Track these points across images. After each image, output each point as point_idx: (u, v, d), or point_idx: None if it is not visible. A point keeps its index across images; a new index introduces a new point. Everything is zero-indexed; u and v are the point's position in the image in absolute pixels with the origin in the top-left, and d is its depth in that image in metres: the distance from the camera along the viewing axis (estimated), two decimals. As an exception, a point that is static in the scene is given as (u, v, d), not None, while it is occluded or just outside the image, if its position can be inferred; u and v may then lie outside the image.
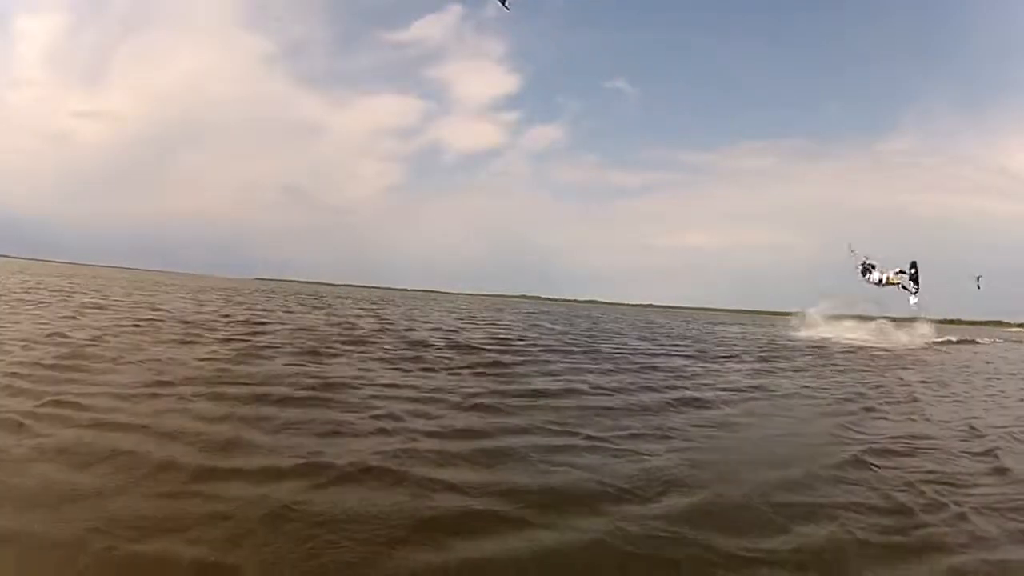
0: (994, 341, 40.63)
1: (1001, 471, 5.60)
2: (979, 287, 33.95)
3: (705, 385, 10.77)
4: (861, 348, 24.47)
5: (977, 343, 34.44)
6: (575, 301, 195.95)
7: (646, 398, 8.87)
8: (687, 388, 10.16)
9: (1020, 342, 44.39)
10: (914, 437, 6.99)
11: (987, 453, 6.27)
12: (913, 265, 19.15)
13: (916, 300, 17.97)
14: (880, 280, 17.36)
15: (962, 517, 4.25)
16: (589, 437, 6.21)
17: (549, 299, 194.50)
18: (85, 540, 3.21)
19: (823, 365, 16.40)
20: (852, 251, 18.20)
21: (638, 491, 4.53)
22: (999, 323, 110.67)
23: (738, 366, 14.77)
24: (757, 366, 15.02)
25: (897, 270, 18.33)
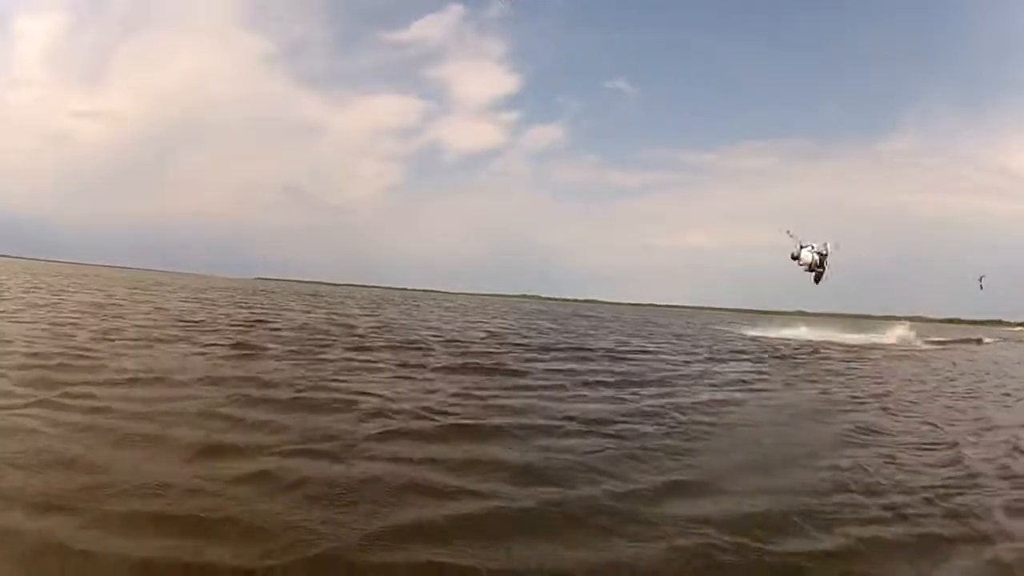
0: (996, 340, 40.38)
1: (957, 462, 5.83)
2: (982, 287, 33.27)
3: (693, 381, 11.09)
4: (855, 347, 24.72)
5: (967, 343, 34.33)
6: (575, 301, 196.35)
7: (628, 392, 9.20)
8: (674, 383, 10.50)
9: (1020, 341, 44.30)
10: (874, 429, 7.29)
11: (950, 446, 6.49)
12: (821, 252, 19.28)
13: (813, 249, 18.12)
14: (811, 263, 17.29)
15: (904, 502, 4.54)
16: (572, 420, 6.62)
17: (549, 299, 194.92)
18: (87, 500, 3.63)
19: (811, 365, 16.65)
20: (790, 235, 18.14)
21: (605, 470, 4.91)
22: (999, 322, 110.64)
23: (723, 365, 15.03)
24: (746, 365, 15.29)
25: (824, 243, 18.42)
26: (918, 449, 6.29)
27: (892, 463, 5.61)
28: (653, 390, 9.43)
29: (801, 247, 18.02)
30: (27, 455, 4.35)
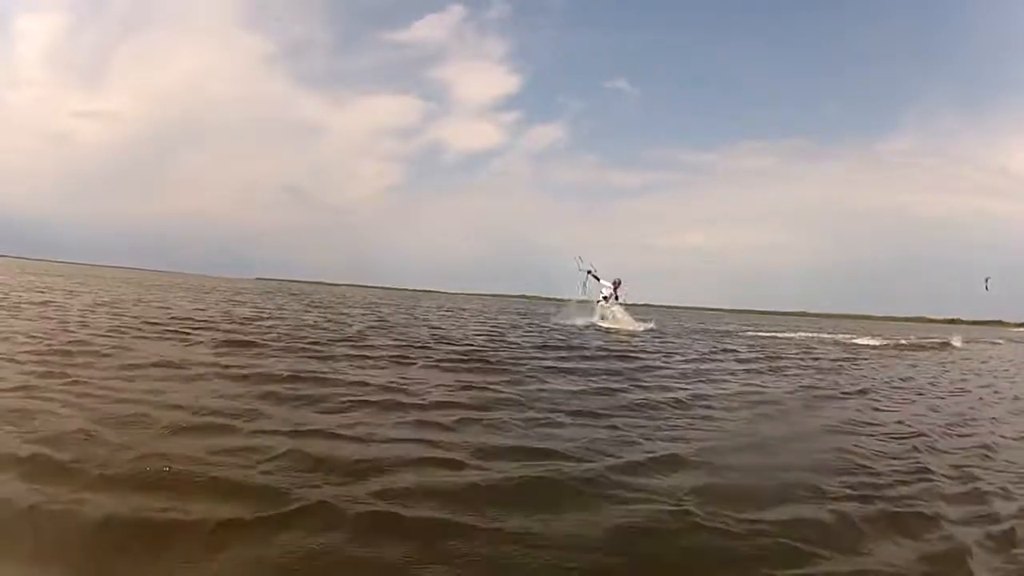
0: (995, 342, 39.30)
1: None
2: (987, 288, 32.27)
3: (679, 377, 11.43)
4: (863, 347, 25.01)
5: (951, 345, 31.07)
6: (574, 301, 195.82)
7: (613, 383, 9.63)
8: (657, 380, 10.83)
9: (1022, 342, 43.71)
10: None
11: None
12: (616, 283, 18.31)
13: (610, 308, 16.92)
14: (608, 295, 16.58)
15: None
16: (560, 408, 7.08)
17: (549, 299, 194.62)
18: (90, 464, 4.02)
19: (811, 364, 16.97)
20: (579, 261, 17.26)
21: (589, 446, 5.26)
22: (1000, 323, 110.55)
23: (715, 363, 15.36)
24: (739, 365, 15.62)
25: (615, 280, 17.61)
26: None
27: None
28: (632, 384, 9.83)
29: (591, 274, 17.05)
30: (40, 428, 4.79)
